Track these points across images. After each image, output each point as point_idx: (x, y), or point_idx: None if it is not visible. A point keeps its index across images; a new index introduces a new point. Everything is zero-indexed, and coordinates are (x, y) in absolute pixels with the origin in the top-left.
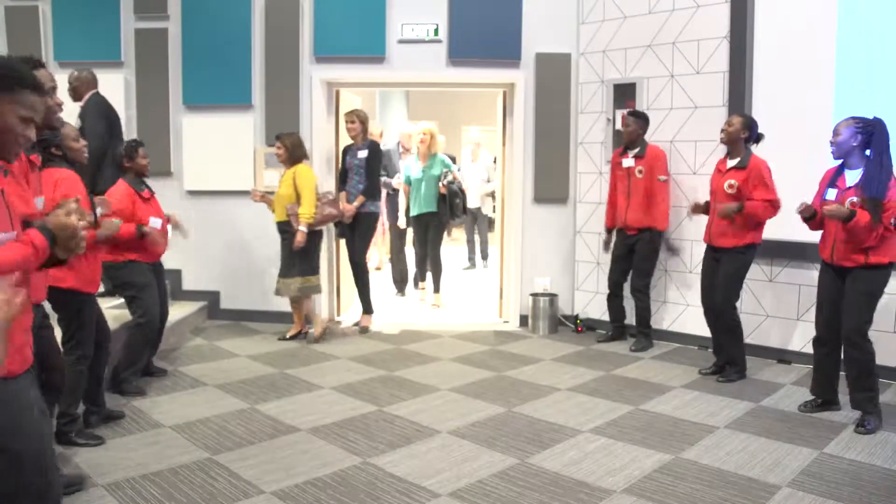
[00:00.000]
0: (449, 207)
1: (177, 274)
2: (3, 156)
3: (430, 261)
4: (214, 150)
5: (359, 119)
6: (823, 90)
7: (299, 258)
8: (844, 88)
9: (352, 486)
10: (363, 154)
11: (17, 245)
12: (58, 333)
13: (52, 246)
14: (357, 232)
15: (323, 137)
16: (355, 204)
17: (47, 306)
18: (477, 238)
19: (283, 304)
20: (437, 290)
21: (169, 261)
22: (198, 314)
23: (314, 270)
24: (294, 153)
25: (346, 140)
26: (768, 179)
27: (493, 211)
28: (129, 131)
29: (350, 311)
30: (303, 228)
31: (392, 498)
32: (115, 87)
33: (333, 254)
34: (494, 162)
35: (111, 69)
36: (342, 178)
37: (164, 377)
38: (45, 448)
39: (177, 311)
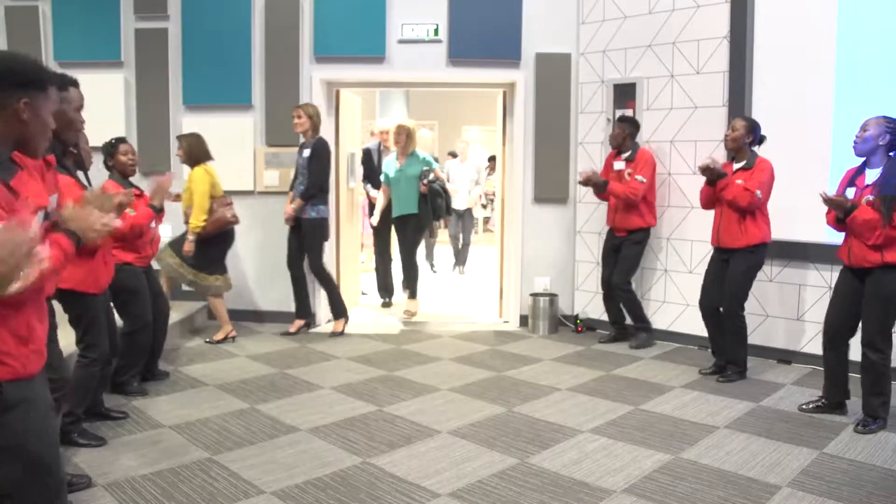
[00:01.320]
0: (431, 208)
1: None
2: (32, 153)
3: (403, 264)
4: (214, 150)
5: (306, 114)
6: (823, 90)
7: (197, 257)
8: (844, 88)
9: (352, 486)
10: (305, 153)
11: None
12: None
13: (78, 245)
14: (305, 241)
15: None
16: (293, 207)
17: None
18: (460, 241)
19: (283, 304)
20: (412, 295)
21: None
22: (198, 314)
23: (219, 270)
24: (192, 154)
25: (346, 141)
26: (765, 179)
27: (492, 210)
28: (129, 131)
29: (350, 312)
30: (190, 237)
31: (392, 498)
32: (115, 87)
33: (334, 253)
34: (492, 161)
35: (111, 69)
36: (294, 177)
37: (167, 379)
38: (57, 449)
39: (177, 312)
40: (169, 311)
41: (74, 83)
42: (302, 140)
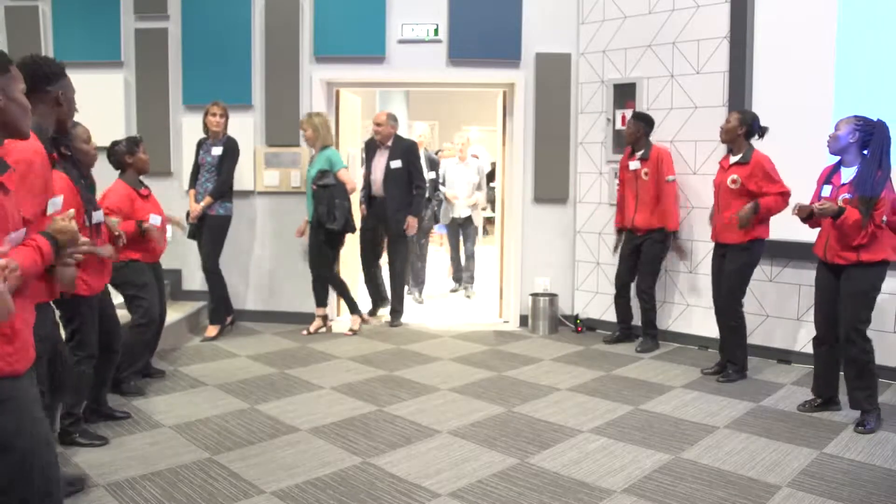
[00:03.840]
0: (316, 214)
1: (177, 274)
2: (20, 135)
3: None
4: None
5: (227, 114)
6: (823, 90)
7: None
8: (844, 88)
9: (352, 486)
10: (218, 151)
11: (26, 250)
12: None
13: (56, 252)
14: (206, 236)
15: None
16: (202, 205)
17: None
18: (462, 255)
19: (284, 304)
20: (350, 310)
21: (169, 261)
22: (198, 314)
23: None
24: None
25: (346, 140)
26: (773, 172)
27: (492, 213)
28: (129, 131)
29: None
30: None
31: (392, 498)
32: (115, 87)
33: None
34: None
35: (111, 69)
36: (194, 174)
37: (164, 378)
38: (47, 447)
39: (177, 311)
40: (166, 311)
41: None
42: (204, 137)
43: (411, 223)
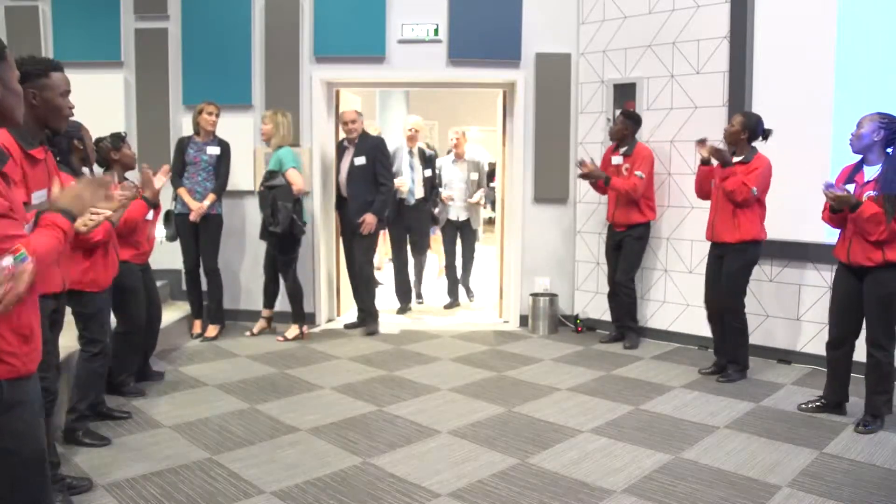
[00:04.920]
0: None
1: (176, 274)
2: (14, 123)
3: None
4: None
5: (219, 113)
6: (823, 90)
7: None
8: (844, 88)
9: (352, 486)
10: (215, 150)
11: (48, 231)
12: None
13: (72, 222)
14: (207, 235)
15: (323, 137)
16: (206, 203)
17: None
18: (459, 263)
19: (283, 304)
20: (293, 318)
21: (168, 261)
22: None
23: None
24: None
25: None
26: (760, 173)
27: (492, 213)
28: (128, 131)
29: (350, 311)
30: None
31: (392, 498)
32: (115, 87)
33: (333, 253)
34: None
35: (111, 69)
36: (179, 172)
37: (163, 378)
38: (45, 448)
39: (176, 312)
40: (161, 312)
41: (56, 67)
42: (189, 136)
43: (368, 220)
